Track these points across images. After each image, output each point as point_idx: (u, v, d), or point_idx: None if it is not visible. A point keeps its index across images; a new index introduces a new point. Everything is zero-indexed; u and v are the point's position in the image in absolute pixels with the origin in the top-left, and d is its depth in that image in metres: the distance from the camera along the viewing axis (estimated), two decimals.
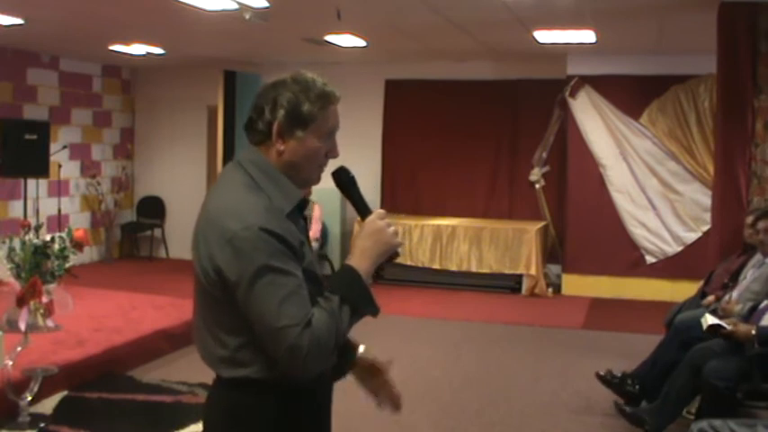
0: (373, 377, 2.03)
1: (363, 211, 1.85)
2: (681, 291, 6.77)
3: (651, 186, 8.33)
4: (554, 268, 8.95)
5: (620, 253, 8.42)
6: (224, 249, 1.64)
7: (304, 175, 1.80)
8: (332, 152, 1.82)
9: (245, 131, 1.80)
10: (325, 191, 9.04)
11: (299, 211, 1.80)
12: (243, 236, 1.62)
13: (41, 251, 5.31)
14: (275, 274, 1.62)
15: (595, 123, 8.48)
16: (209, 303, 1.73)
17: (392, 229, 1.78)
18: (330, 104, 1.76)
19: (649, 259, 8.39)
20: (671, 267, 8.24)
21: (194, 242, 1.74)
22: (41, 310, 5.17)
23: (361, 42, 7.84)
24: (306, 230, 1.81)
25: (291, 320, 1.61)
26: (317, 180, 1.86)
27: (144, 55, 9.00)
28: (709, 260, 5.69)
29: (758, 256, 4.59)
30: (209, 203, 1.74)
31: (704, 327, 4.10)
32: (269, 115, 1.73)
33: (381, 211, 1.81)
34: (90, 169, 10.05)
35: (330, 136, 1.79)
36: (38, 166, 8.51)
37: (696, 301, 5.01)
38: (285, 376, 1.67)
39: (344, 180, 1.88)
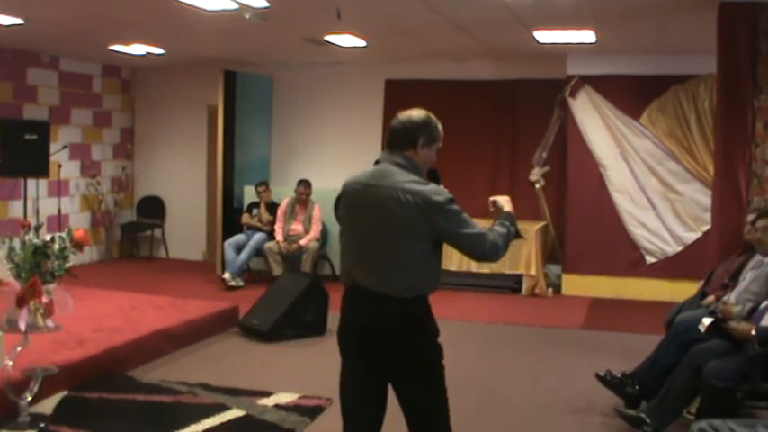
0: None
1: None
2: (681, 291, 6.77)
3: (651, 186, 8.33)
4: (554, 268, 8.95)
5: (620, 253, 8.42)
6: (437, 211, 2.75)
7: (426, 169, 2.93)
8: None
9: (395, 144, 2.90)
10: (325, 191, 9.13)
11: None
12: (449, 204, 2.76)
13: (41, 251, 5.30)
14: (468, 218, 2.81)
15: (595, 123, 8.47)
16: (408, 254, 2.79)
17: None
18: (441, 134, 2.95)
19: (649, 259, 8.39)
20: (671, 267, 8.24)
21: (385, 207, 2.78)
22: (41, 310, 5.16)
23: (361, 42, 7.84)
24: None
25: (484, 237, 2.83)
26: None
27: (144, 55, 9.00)
28: (709, 260, 5.69)
29: (757, 257, 4.59)
30: (394, 182, 2.79)
31: (702, 330, 4.09)
32: (419, 134, 2.87)
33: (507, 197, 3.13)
34: (90, 169, 10.05)
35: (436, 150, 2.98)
36: (38, 166, 8.52)
37: (696, 301, 5.00)
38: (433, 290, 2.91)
39: (436, 174, 3.01)
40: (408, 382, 2.85)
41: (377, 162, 2.95)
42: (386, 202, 2.77)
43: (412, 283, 2.80)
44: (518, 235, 3.02)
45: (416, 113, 2.91)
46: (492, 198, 3.10)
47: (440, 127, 2.94)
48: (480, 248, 2.84)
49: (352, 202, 2.92)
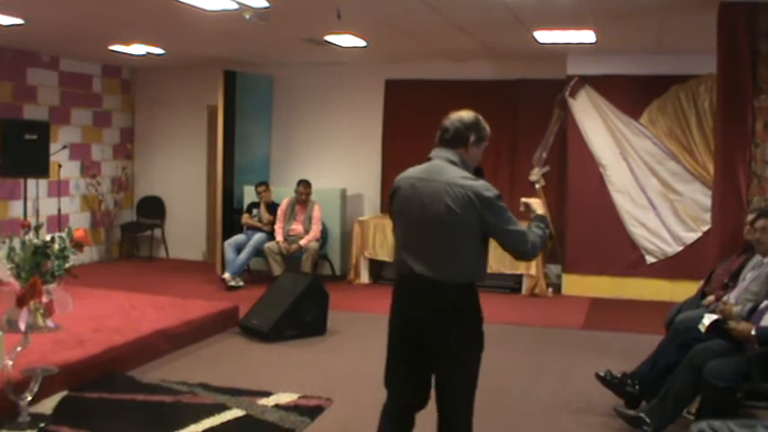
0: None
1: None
2: (681, 291, 6.77)
3: (651, 186, 8.33)
4: (554, 268, 8.94)
5: (620, 253, 8.42)
6: (486, 206, 2.98)
7: (473, 166, 3.16)
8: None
9: (447, 142, 3.13)
10: (325, 191, 9.14)
11: None
12: (498, 200, 3.01)
13: (41, 251, 5.29)
14: (512, 216, 3.06)
15: (595, 123, 8.47)
16: (460, 243, 3.02)
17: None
18: (489, 134, 3.19)
19: (649, 259, 8.38)
20: (671, 267, 8.24)
21: (439, 200, 3.00)
22: (41, 310, 5.15)
23: (361, 42, 7.84)
24: None
25: (526, 236, 3.06)
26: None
27: (144, 55, 9.00)
28: (709, 260, 5.69)
29: (757, 257, 4.59)
30: (447, 177, 3.03)
31: (702, 330, 4.08)
32: (470, 133, 3.12)
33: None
34: (90, 169, 10.05)
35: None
36: (38, 166, 8.52)
37: (696, 301, 5.01)
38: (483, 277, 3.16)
39: (482, 171, 3.23)
40: (449, 365, 3.08)
41: (428, 159, 3.16)
42: (440, 196, 3.00)
43: (463, 272, 3.04)
44: (550, 236, 3.29)
45: (466, 114, 3.16)
46: (524, 200, 3.30)
47: (488, 127, 3.19)
48: (522, 247, 3.05)
49: (407, 195, 3.11)
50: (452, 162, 3.09)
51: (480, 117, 3.18)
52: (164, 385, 4.97)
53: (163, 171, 10.73)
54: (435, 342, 3.05)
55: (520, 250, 3.06)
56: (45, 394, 4.45)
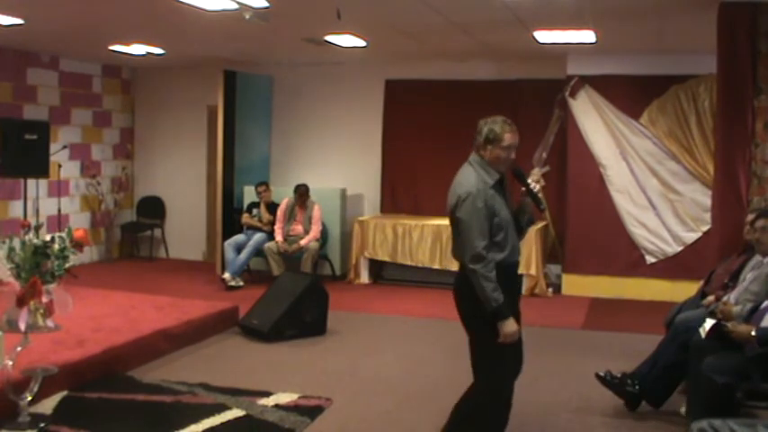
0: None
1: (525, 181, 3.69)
2: (681, 291, 6.76)
3: (651, 186, 8.33)
4: (554, 268, 8.95)
5: (620, 253, 8.42)
6: (456, 202, 3.41)
7: (497, 167, 3.51)
8: (509, 157, 3.53)
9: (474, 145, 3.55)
10: (324, 191, 9.14)
11: (500, 184, 3.52)
12: (465, 198, 3.38)
13: (41, 251, 5.29)
14: (479, 225, 3.38)
15: (595, 123, 8.47)
16: (456, 232, 3.47)
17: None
18: (505, 133, 3.49)
19: (649, 259, 8.39)
20: (671, 267, 8.24)
21: (449, 200, 3.49)
22: (41, 310, 5.15)
23: (361, 42, 7.84)
24: (504, 195, 3.53)
25: (479, 251, 3.37)
26: (504, 172, 3.55)
27: (144, 55, 9.00)
28: (709, 260, 5.69)
29: (757, 257, 4.59)
30: (457, 177, 3.52)
31: (703, 335, 4.06)
32: (479, 137, 3.50)
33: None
34: (90, 169, 10.05)
35: (507, 149, 3.50)
36: (38, 166, 8.52)
37: (696, 301, 5.00)
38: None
39: (519, 172, 3.66)
40: (466, 328, 3.62)
41: None
42: (450, 193, 3.53)
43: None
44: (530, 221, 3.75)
45: (487, 120, 3.55)
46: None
47: (498, 127, 3.48)
48: (468, 253, 3.38)
49: None
50: (469, 163, 3.54)
51: (496, 119, 3.51)
52: (164, 385, 4.97)
53: (163, 171, 10.73)
54: (459, 312, 3.62)
55: (465, 254, 3.39)
56: (45, 394, 4.45)
